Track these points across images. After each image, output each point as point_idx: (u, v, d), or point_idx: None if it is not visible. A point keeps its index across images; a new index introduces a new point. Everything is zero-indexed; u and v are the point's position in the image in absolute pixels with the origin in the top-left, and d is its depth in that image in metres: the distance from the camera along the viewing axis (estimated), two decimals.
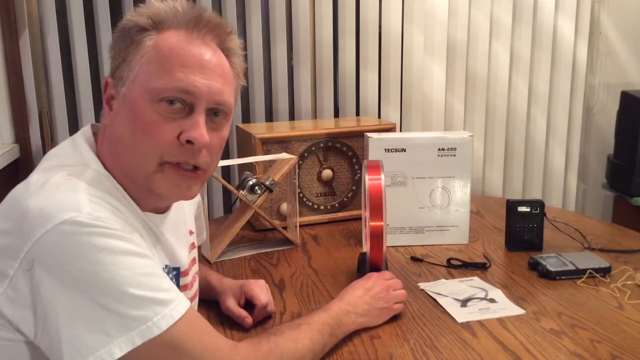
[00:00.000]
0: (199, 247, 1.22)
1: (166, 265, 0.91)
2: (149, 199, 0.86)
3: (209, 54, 0.82)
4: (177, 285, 0.94)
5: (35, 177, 0.78)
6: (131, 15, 0.84)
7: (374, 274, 1.13)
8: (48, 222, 0.70)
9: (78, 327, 0.70)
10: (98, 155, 0.84)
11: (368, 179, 1.18)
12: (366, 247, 1.18)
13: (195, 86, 0.80)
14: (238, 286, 1.15)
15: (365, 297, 1.06)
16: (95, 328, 0.70)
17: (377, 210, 1.16)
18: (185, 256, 0.96)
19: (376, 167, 1.20)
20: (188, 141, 0.80)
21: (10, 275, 0.71)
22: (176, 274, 0.93)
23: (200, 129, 0.80)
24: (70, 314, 0.70)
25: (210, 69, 0.81)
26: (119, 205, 0.79)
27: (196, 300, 1.03)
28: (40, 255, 0.70)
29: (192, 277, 1.00)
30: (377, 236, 1.16)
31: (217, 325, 1.10)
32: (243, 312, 1.10)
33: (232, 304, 1.11)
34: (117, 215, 0.76)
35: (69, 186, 0.75)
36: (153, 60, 0.80)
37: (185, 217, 1.00)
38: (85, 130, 0.87)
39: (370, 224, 1.16)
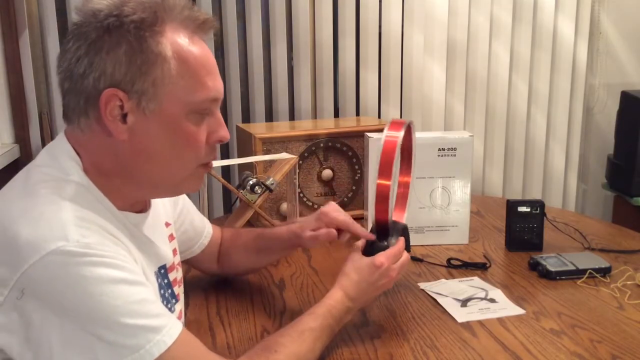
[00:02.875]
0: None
1: (158, 268, 0.90)
2: (132, 198, 0.85)
3: (209, 50, 0.83)
4: (167, 283, 0.93)
5: (18, 195, 0.77)
6: (111, 6, 0.76)
7: (384, 261, 1.01)
8: (36, 252, 0.69)
9: (71, 355, 0.70)
10: (81, 159, 0.80)
11: (385, 134, 1.04)
12: (372, 212, 1.07)
13: (221, 92, 0.83)
14: (313, 219, 1.13)
15: (369, 290, 1.01)
16: (88, 356, 0.70)
17: (386, 167, 1.03)
18: (168, 252, 0.95)
19: (399, 124, 1.06)
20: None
21: (1, 302, 0.71)
22: (164, 272, 0.93)
23: (225, 127, 0.85)
24: (62, 343, 0.70)
25: (216, 66, 0.83)
26: (102, 220, 0.77)
27: (182, 286, 1.02)
28: (30, 286, 0.69)
29: (177, 269, 0.99)
30: (382, 197, 1.02)
31: (218, 324, 1.10)
32: (324, 230, 1.09)
33: (310, 233, 1.11)
34: (104, 236, 0.75)
35: (54, 209, 0.73)
36: (183, 74, 0.78)
37: (159, 210, 0.98)
38: (62, 138, 0.83)
39: (378, 181, 1.02)
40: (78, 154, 0.81)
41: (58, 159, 0.80)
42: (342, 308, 0.99)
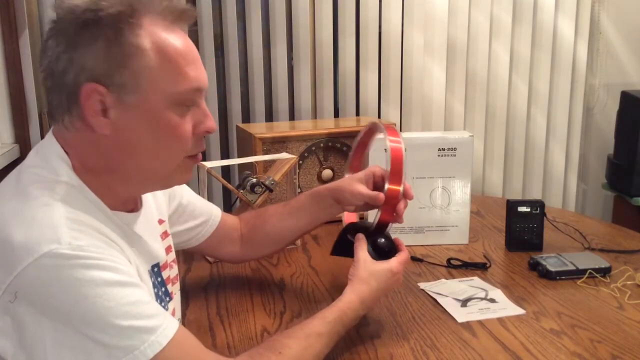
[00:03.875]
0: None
1: (152, 266, 0.90)
2: (122, 196, 0.85)
3: (190, 41, 0.82)
4: (161, 281, 0.93)
5: (9, 197, 0.76)
6: (88, 1, 0.76)
7: (401, 268, 1.03)
8: (29, 255, 0.69)
9: (65, 358, 0.70)
10: (70, 158, 0.80)
11: (389, 140, 1.07)
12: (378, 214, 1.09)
13: (204, 81, 0.82)
14: (362, 174, 1.12)
15: (380, 294, 1.02)
16: (82, 358, 0.70)
17: (397, 174, 1.06)
18: (161, 250, 0.95)
19: (393, 129, 1.10)
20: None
21: None
22: (157, 270, 0.92)
23: (211, 118, 0.84)
24: (56, 345, 0.70)
25: (198, 56, 0.83)
26: (94, 220, 0.77)
27: (177, 284, 1.02)
28: (23, 289, 0.69)
29: (171, 267, 0.99)
30: (391, 200, 1.05)
31: (218, 324, 1.10)
32: (381, 195, 1.07)
33: (361, 188, 1.10)
34: (96, 238, 0.74)
35: (46, 210, 0.73)
36: (163, 65, 0.78)
37: (151, 208, 0.97)
38: (50, 138, 0.83)
39: (389, 187, 1.05)
40: (67, 153, 0.80)
41: (48, 159, 0.80)
42: (354, 315, 0.97)
